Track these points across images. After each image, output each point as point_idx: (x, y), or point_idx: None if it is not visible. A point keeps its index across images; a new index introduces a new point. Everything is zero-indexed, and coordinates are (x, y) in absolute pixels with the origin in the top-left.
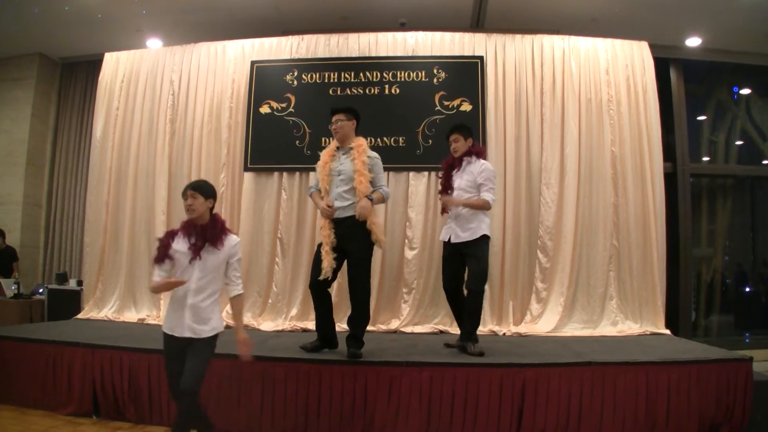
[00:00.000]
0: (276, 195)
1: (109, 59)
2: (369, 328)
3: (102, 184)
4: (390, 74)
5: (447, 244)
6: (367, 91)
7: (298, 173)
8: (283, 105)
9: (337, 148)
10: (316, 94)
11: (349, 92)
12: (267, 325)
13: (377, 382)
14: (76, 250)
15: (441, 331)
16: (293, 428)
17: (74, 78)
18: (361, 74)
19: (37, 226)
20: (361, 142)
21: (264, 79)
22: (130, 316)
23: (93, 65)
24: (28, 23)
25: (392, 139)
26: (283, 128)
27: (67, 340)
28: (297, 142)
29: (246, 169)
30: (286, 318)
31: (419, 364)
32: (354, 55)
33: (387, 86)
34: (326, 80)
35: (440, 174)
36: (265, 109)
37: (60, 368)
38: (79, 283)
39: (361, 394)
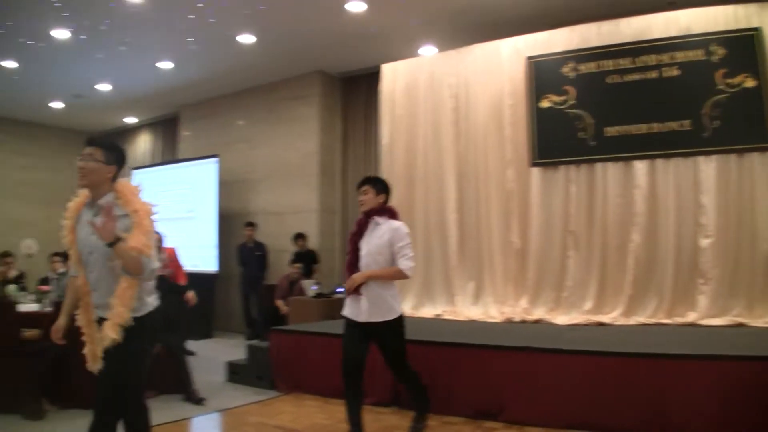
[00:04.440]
0: (564, 188)
1: (388, 70)
2: (665, 320)
3: (393, 187)
4: (667, 56)
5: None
6: (645, 75)
7: (584, 165)
8: (563, 98)
9: None
10: (595, 84)
11: (627, 79)
12: (561, 318)
13: (676, 378)
14: None
15: (740, 324)
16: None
17: (355, 91)
18: (637, 59)
19: (332, 230)
20: None
21: (541, 74)
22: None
23: (371, 77)
24: (306, 44)
25: (677, 123)
26: (565, 121)
27: None
28: (580, 133)
29: (533, 164)
30: (580, 311)
31: (714, 357)
32: (627, 41)
33: (665, 69)
34: (602, 69)
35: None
36: (545, 104)
37: None
38: None
39: (658, 390)
